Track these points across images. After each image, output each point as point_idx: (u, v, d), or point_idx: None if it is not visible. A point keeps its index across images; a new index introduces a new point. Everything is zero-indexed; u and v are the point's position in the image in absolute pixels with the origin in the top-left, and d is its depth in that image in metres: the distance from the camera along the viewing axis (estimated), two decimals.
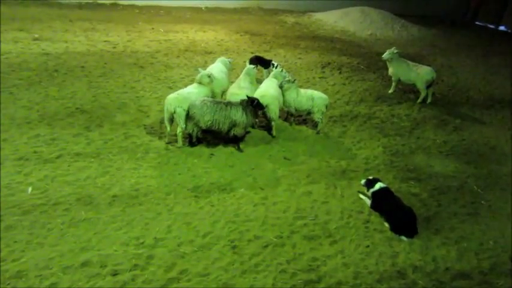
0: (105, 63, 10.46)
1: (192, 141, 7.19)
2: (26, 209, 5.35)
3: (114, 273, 4.56)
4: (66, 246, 4.85)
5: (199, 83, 7.48)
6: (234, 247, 5.14)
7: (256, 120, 7.87)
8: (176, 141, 7.22)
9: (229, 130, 7.09)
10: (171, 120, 7.12)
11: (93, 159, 6.60)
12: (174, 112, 6.94)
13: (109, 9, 16.35)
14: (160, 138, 7.42)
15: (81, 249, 4.83)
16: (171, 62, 11.15)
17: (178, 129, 7.10)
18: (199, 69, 7.84)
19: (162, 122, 7.95)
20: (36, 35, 11.77)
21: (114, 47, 11.75)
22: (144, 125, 7.80)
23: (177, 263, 4.80)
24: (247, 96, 7.22)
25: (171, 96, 7.06)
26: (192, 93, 7.23)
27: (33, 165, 6.26)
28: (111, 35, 12.84)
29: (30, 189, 5.72)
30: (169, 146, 7.19)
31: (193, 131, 7.00)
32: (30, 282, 4.34)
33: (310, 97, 8.05)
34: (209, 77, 7.50)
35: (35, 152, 6.58)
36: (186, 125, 7.00)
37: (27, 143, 6.79)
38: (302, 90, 8.21)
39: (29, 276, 4.41)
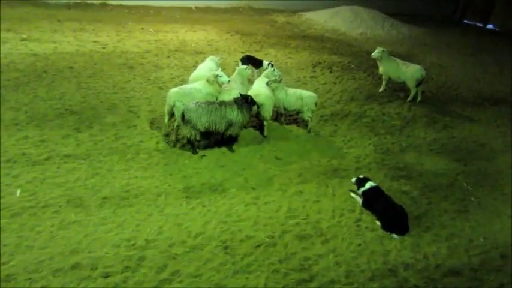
0: (95, 64, 10.38)
1: (194, 149, 7.08)
2: (14, 211, 5.28)
3: (105, 276, 4.52)
4: (56, 248, 4.80)
5: (207, 81, 7.51)
6: (225, 247, 5.13)
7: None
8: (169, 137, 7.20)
9: (225, 130, 7.06)
10: (172, 114, 7.19)
11: (83, 160, 6.54)
12: (174, 106, 6.97)
13: (98, 9, 16.23)
14: (150, 138, 7.38)
15: (71, 252, 4.78)
16: (161, 62, 11.09)
17: (176, 123, 7.14)
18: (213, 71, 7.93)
19: (152, 122, 7.93)
20: (24, 36, 11.64)
21: (104, 48, 11.65)
22: (135, 126, 7.75)
23: (169, 264, 4.78)
24: (240, 94, 7.20)
25: (173, 90, 7.19)
26: (194, 89, 7.30)
27: (22, 167, 6.18)
28: (101, 35, 12.74)
29: (18, 191, 5.65)
30: (160, 147, 7.16)
31: (191, 134, 6.85)
32: (20, 285, 4.29)
33: (299, 96, 8.04)
34: (216, 76, 7.51)
35: (23, 154, 6.50)
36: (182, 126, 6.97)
37: (16, 144, 6.70)
38: (291, 90, 8.20)
39: (18, 279, 4.35)
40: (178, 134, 7.32)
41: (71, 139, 7.07)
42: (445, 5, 23.83)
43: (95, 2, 16.81)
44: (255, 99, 7.31)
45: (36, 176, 6.03)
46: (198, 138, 6.94)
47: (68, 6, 15.93)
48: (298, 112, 8.24)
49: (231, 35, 14.65)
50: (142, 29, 14.07)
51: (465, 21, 23.87)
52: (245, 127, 7.82)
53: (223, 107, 6.90)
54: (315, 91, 9.02)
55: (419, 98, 10.56)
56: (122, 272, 4.58)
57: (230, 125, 6.99)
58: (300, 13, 19.82)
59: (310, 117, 8.18)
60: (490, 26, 23.06)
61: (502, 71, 14.35)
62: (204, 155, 7.09)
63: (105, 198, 5.75)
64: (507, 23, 22.09)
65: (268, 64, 9.81)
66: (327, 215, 5.95)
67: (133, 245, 4.99)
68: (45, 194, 5.68)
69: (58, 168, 6.28)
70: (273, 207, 5.98)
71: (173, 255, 4.91)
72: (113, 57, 11.04)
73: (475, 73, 13.75)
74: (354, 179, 6.33)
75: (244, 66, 8.36)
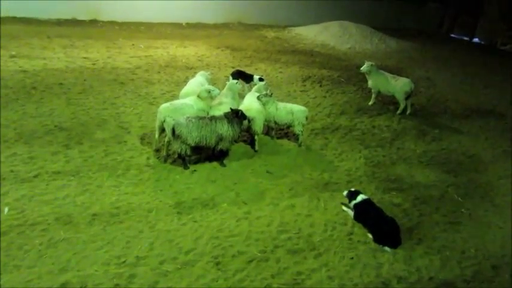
0: (85, 80, 10.35)
1: (185, 164, 7.03)
2: (2, 230, 5.19)
3: None
4: (44, 267, 4.71)
5: (198, 97, 7.50)
6: (217, 263, 5.08)
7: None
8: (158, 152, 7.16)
9: (216, 145, 7.05)
10: (162, 129, 7.16)
11: (72, 177, 6.47)
12: (164, 121, 6.96)
13: (88, 25, 16.24)
14: (141, 154, 7.34)
15: (60, 270, 4.70)
16: (152, 78, 11.09)
17: (167, 139, 7.11)
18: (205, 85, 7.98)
19: (143, 138, 7.89)
20: (14, 52, 11.59)
21: (94, 64, 11.64)
22: (125, 142, 7.70)
23: (160, 282, 4.71)
24: (230, 109, 7.21)
25: (164, 105, 7.18)
26: (185, 104, 7.30)
27: (10, 184, 6.09)
28: (91, 51, 12.73)
29: (7, 209, 5.56)
30: (151, 162, 7.11)
31: (181, 149, 6.82)
32: None
33: (290, 111, 8.08)
34: (208, 92, 7.51)
35: (11, 171, 6.41)
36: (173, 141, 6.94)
37: (4, 162, 6.61)
38: (281, 104, 8.24)
39: None
40: (169, 150, 7.29)
41: (60, 156, 7.00)
42: (432, 19, 24.27)
43: (85, 18, 16.82)
44: (246, 113, 7.33)
45: (24, 193, 5.94)
46: (188, 153, 6.92)
47: (58, 22, 15.93)
48: (289, 126, 8.27)
49: (222, 50, 14.74)
50: (133, 45, 14.10)
51: (452, 35, 24.31)
52: (236, 141, 7.81)
53: (214, 122, 6.90)
54: (305, 105, 9.08)
55: (408, 111, 10.67)
56: None
57: (221, 139, 6.98)
58: (290, 28, 20.03)
59: (301, 131, 8.21)
60: (476, 40, 23.51)
61: (489, 83, 14.58)
62: (194, 170, 7.06)
63: (94, 215, 5.68)
64: (493, 37, 22.56)
65: (259, 79, 9.88)
66: (319, 228, 5.93)
67: (124, 262, 4.92)
68: (33, 211, 5.59)
69: (47, 185, 6.21)
70: (265, 222, 5.95)
71: (164, 272, 4.85)
72: (103, 73, 11.03)
73: (462, 86, 13.97)
74: (345, 192, 6.34)
75: (235, 81, 8.40)
